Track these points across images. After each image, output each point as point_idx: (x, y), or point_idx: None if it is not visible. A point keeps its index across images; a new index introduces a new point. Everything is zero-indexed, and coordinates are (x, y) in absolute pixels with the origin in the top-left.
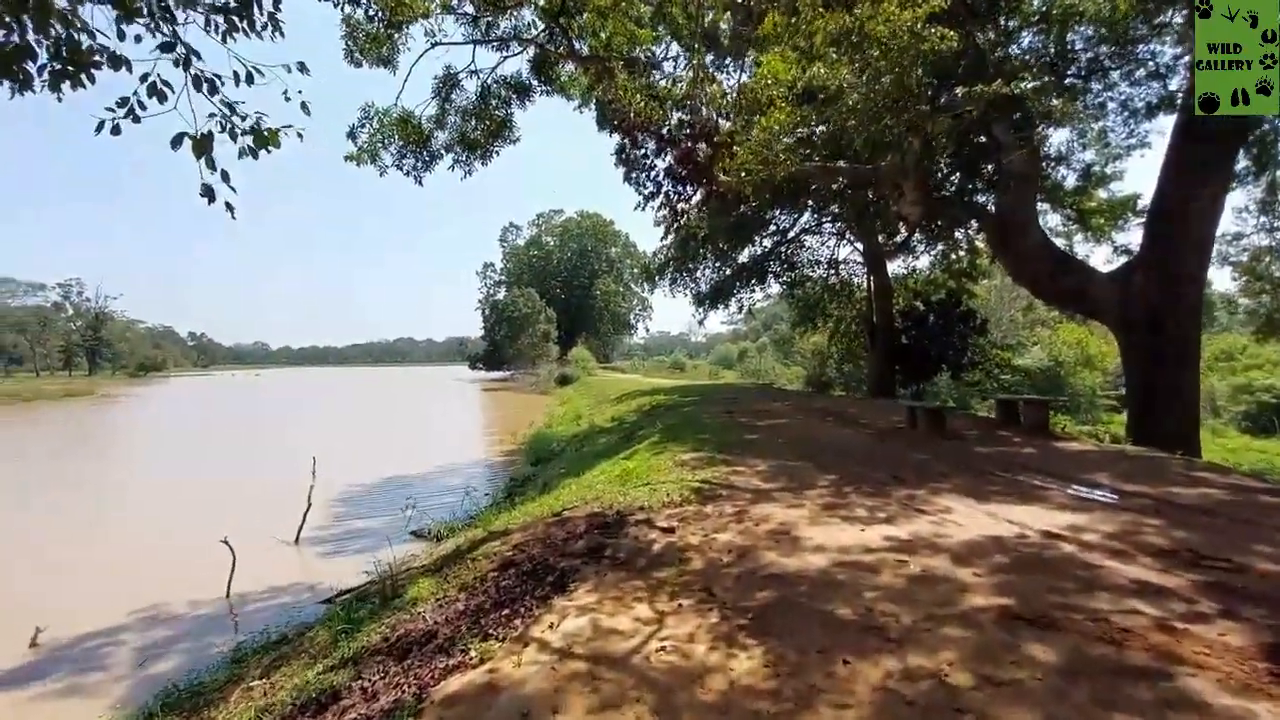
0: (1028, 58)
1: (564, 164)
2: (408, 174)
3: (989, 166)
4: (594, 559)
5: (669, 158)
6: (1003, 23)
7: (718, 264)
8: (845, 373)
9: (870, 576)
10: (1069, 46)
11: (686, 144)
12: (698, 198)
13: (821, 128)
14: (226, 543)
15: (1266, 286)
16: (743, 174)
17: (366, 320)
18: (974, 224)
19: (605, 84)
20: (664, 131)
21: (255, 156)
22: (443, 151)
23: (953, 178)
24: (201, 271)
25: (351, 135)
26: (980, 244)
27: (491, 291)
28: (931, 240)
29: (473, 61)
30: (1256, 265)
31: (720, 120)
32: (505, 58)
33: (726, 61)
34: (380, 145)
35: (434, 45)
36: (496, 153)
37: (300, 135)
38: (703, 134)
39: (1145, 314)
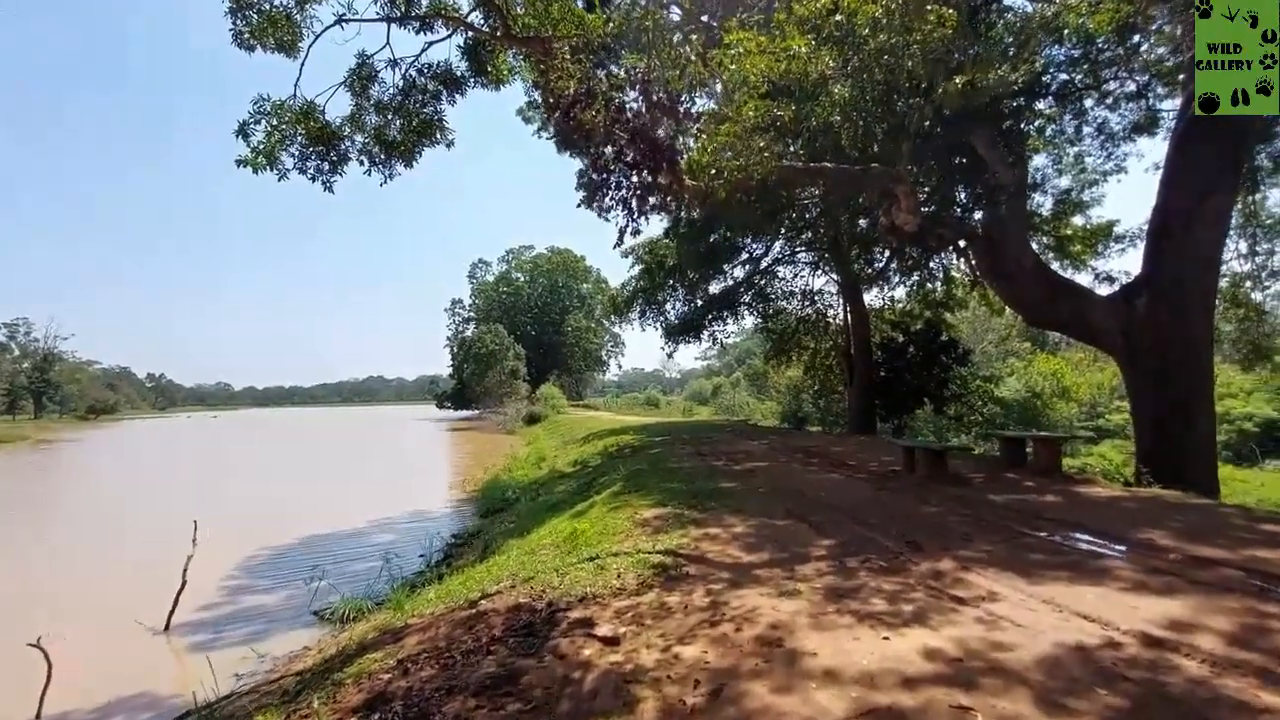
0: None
1: (538, 206)
2: (313, 179)
3: (966, 191)
4: (496, 700)
5: (620, 144)
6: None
7: (687, 295)
8: (822, 407)
9: None
10: (1042, 72)
11: (640, 115)
12: (657, 195)
13: (799, 138)
14: (38, 645)
15: (1251, 314)
16: (713, 172)
17: (334, 359)
18: (953, 251)
19: (548, 64)
20: (612, 101)
21: None
22: (354, 154)
23: (931, 204)
24: (160, 311)
25: (242, 133)
26: (956, 273)
27: (460, 328)
28: (907, 270)
29: (387, 44)
30: (1236, 291)
31: (681, 102)
32: (430, 43)
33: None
34: (279, 146)
35: (340, 21)
36: (419, 155)
37: None
38: (661, 106)
39: (1151, 340)
